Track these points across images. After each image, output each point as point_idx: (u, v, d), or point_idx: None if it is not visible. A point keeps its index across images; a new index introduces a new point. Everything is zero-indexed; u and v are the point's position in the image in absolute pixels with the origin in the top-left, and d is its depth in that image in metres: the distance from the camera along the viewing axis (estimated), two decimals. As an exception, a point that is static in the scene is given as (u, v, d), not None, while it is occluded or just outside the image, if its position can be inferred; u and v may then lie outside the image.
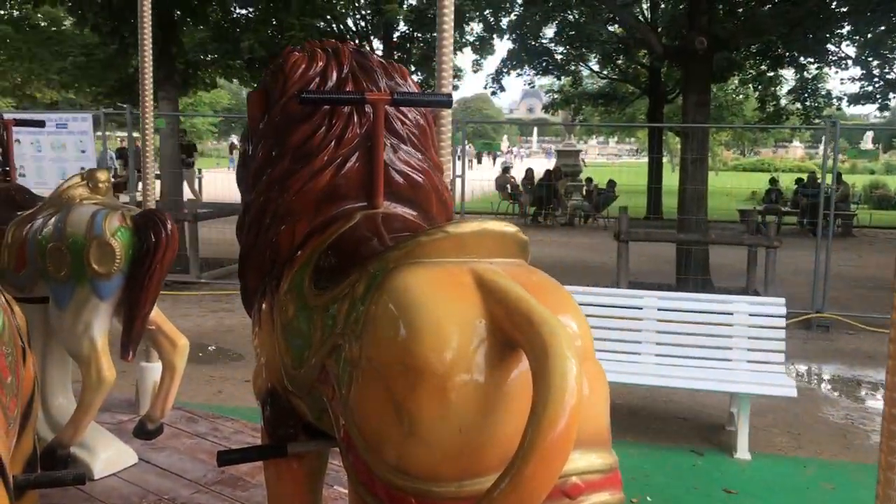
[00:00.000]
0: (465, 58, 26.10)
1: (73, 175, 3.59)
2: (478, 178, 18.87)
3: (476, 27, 21.69)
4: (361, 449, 1.44)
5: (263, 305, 2.13)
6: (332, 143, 2.10)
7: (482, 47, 22.20)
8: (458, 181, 9.72)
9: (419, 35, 20.69)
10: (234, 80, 20.92)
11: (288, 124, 2.14)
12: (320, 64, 2.18)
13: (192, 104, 30.14)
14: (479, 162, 45.66)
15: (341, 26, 19.53)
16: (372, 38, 21.01)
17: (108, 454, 3.56)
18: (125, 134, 14.97)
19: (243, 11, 15.68)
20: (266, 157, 2.18)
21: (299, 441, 2.12)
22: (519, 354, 1.33)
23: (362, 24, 20.56)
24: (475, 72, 23.92)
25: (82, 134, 10.03)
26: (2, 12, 21.22)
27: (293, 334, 1.87)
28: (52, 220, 3.26)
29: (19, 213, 3.46)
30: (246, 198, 2.27)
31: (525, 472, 1.17)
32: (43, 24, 20.31)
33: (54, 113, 12.45)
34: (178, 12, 13.13)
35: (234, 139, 50.38)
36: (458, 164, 9.95)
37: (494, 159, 48.42)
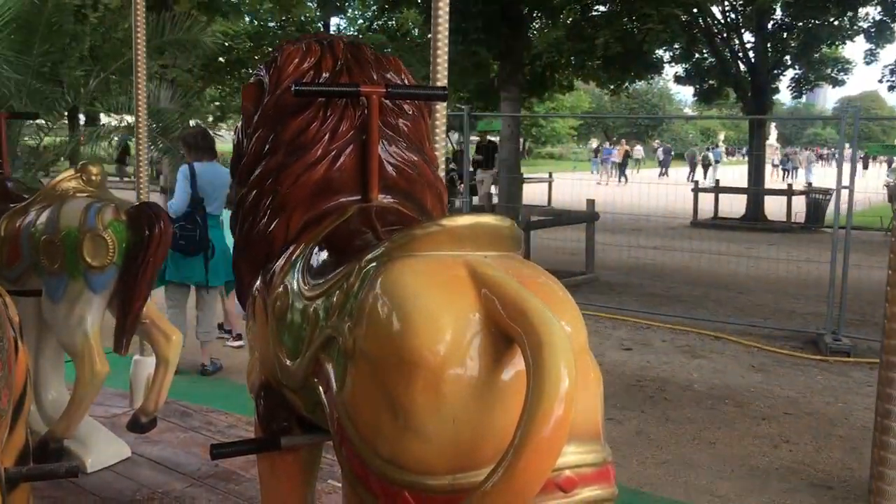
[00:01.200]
0: (856, 48, 20.39)
1: (67, 168, 3.58)
2: (861, 190, 14.80)
3: (872, 11, 18.20)
4: (355, 442, 1.44)
5: (258, 299, 2.12)
6: (327, 136, 2.09)
7: (878, 34, 18.37)
8: (845, 192, 7.78)
9: (798, 23, 18.04)
10: (591, 83, 19.47)
11: (282, 117, 2.13)
12: (314, 56, 2.17)
13: (553, 108, 28.15)
14: (865, 167, 38.17)
15: (708, 18, 17.75)
16: (742, 29, 18.77)
17: (101, 448, 3.55)
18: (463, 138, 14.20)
19: (602, 8, 14.55)
20: (260, 150, 2.17)
21: (293, 434, 2.12)
22: (514, 347, 1.33)
23: (732, 15, 18.55)
24: (868, 63, 19.05)
25: None
26: (379, 22, 21.44)
27: (287, 328, 1.87)
28: (46, 213, 3.24)
29: (12, 205, 3.44)
30: (240, 191, 2.27)
31: (518, 466, 1.17)
32: (415, 31, 20.54)
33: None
34: (526, 9, 12.13)
35: (594, 142, 48.04)
36: (846, 170, 7.86)
37: (891, 164, 40.40)
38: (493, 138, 15.76)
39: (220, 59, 22.01)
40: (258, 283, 2.14)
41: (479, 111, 15.39)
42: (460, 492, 1.29)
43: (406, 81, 2.28)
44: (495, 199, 14.21)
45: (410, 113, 2.22)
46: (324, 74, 2.16)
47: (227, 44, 21.76)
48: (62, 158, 8.65)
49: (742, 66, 19.04)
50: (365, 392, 1.43)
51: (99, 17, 13.50)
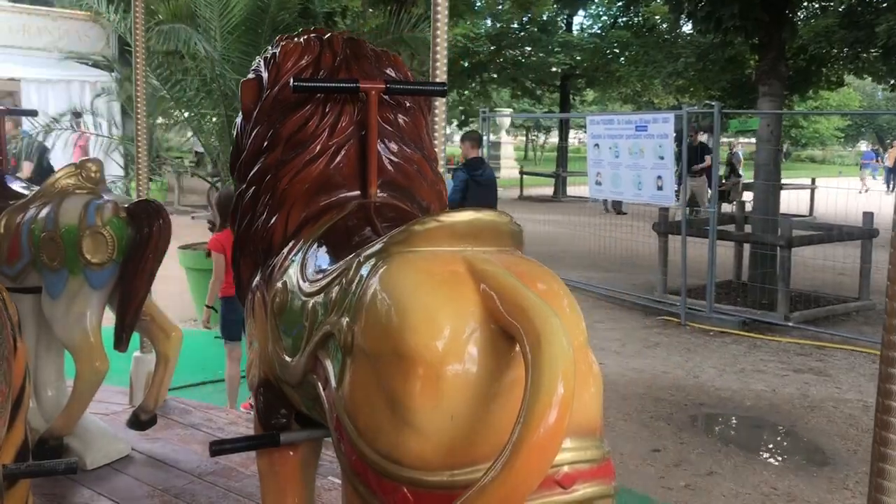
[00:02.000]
0: None
1: (66, 165, 3.57)
2: None
3: None
4: (353, 438, 1.44)
5: (257, 295, 2.12)
6: (325, 132, 2.09)
7: None
8: None
9: None
10: (866, 77, 17.39)
11: (281, 113, 2.13)
12: (313, 52, 2.17)
13: (817, 106, 25.17)
14: None
15: None
16: None
17: (100, 444, 3.55)
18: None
19: (886, -9, 12.39)
20: (258, 147, 2.17)
21: (292, 431, 2.12)
22: (512, 343, 1.33)
23: None
24: None
25: (662, 137, 8.35)
26: (624, 18, 20.72)
27: (286, 324, 1.87)
28: (46, 209, 3.24)
29: (12, 202, 3.44)
30: (239, 187, 2.26)
31: (515, 465, 1.17)
32: (663, 25, 19.40)
33: (635, 115, 10.46)
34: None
35: (863, 145, 42.36)
36: None
37: None
38: (703, 139, 14.20)
39: (462, 62, 21.40)
40: (257, 279, 2.13)
41: (730, 110, 13.83)
42: (458, 488, 1.29)
43: (405, 77, 2.28)
44: (723, 207, 12.64)
45: (410, 109, 2.22)
46: (323, 70, 2.15)
47: (468, 46, 21.12)
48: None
49: None
50: (363, 388, 1.43)
51: (349, 23, 13.40)
